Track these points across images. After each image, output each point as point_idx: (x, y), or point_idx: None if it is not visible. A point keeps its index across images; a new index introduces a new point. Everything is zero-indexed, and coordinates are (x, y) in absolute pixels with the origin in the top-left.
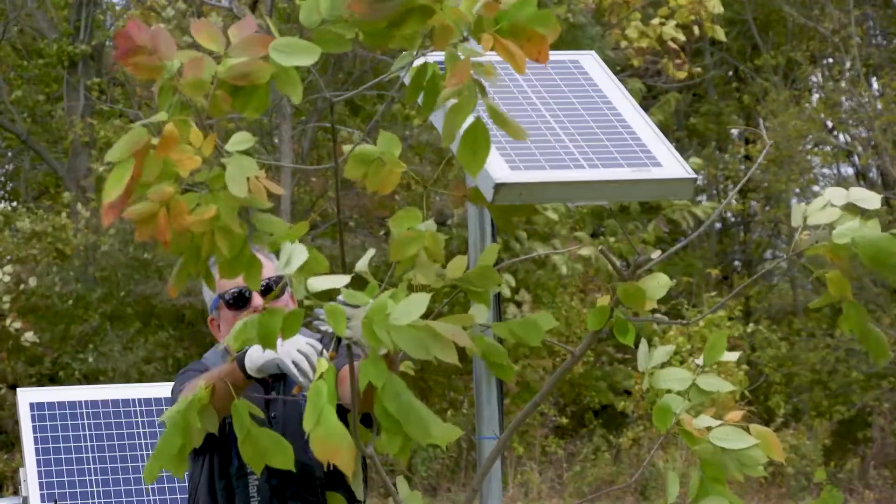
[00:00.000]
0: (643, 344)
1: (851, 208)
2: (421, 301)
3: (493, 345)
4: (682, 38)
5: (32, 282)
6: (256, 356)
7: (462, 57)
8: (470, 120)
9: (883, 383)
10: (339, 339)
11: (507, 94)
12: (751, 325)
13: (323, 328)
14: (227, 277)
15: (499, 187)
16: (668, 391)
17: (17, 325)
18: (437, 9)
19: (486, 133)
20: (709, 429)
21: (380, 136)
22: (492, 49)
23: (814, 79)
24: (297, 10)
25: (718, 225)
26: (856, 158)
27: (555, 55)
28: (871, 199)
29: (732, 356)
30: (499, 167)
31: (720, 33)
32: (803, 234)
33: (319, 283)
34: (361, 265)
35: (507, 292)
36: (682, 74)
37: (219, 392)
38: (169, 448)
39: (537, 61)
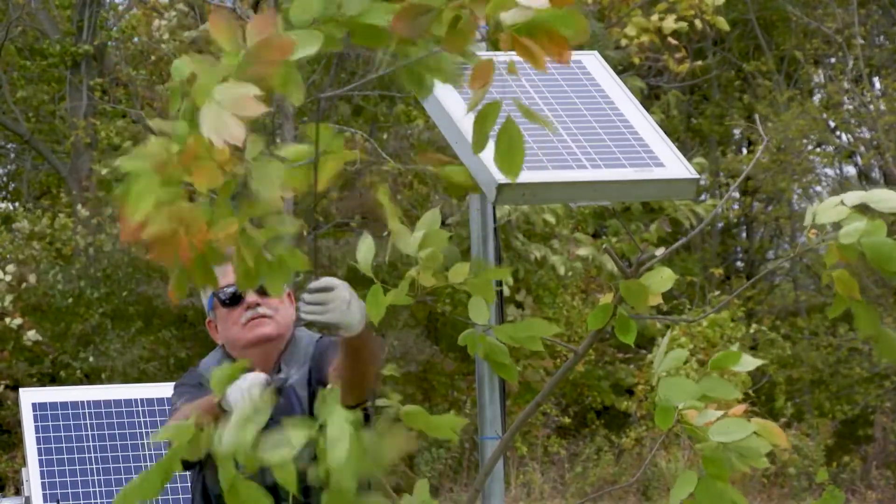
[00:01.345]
0: (662, 342)
1: (862, 208)
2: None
3: (495, 345)
4: (684, 27)
5: (33, 279)
6: (233, 398)
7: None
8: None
9: (885, 383)
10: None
11: (509, 94)
12: (753, 325)
13: (303, 316)
14: (250, 287)
15: (501, 187)
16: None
17: (18, 321)
18: (460, 13)
19: (519, 133)
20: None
21: (317, 132)
22: (511, 49)
23: (816, 79)
24: None
25: (720, 224)
26: (858, 158)
27: None
28: (891, 200)
29: (752, 364)
30: None
31: (723, 24)
32: (810, 232)
33: None
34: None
35: (506, 291)
36: (682, 68)
37: (207, 423)
38: (150, 486)
39: (559, 62)
